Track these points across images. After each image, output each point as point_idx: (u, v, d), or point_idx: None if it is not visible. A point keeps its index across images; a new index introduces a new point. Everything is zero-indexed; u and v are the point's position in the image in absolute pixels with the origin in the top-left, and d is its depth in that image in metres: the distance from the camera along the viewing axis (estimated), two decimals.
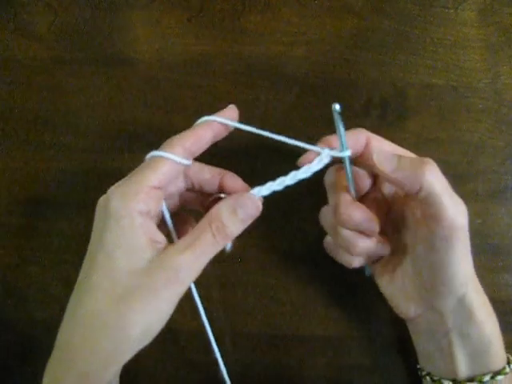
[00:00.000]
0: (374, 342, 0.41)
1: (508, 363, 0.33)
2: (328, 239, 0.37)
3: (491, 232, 0.41)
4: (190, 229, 0.30)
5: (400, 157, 0.31)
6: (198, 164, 0.34)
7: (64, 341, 0.29)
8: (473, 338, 0.32)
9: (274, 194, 0.31)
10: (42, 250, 0.42)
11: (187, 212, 0.35)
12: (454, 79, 0.42)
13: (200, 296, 0.33)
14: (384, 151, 0.32)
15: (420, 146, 0.34)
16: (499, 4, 0.42)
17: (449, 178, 0.31)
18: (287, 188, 0.31)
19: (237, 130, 0.32)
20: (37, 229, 0.42)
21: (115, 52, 0.43)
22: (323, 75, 0.42)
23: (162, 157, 0.30)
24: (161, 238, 0.29)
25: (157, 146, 0.31)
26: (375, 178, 0.36)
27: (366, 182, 0.35)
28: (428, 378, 0.35)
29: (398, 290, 0.35)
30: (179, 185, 0.33)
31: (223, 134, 0.32)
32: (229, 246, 0.32)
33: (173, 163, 0.30)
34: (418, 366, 0.37)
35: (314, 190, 0.36)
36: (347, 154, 0.31)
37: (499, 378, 0.32)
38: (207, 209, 0.30)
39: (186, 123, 0.32)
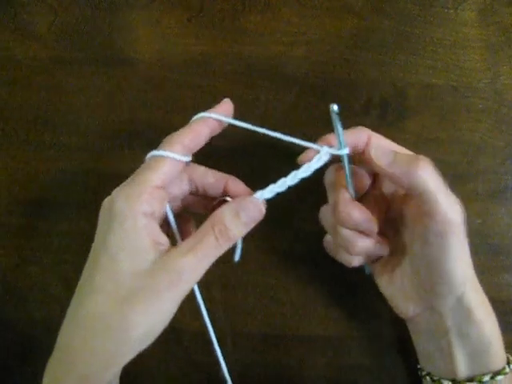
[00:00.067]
0: (373, 342, 0.41)
1: (508, 363, 0.33)
2: (328, 238, 0.37)
3: (491, 232, 0.41)
4: (193, 230, 0.30)
5: (396, 152, 0.32)
6: (202, 168, 0.34)
7: (64, 342, 0.29)
8: (472, 338, 0.32)
9: (281, 196, 0.31)
10: (41, 250, 0.42)
11: (190, 214, 0.35)
12: (454, 79, 0.42)
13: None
14: (382, 146, 0.32)
15: (420, 146, 0.34)
16: (499, 4, 0.42)
17: (449, 177, 0.31)
18: (289, 188, 0.31)
19: (235, 128, 0.32)
20: (37, 229, 0.42)
21: (115, 52, 0.43)
22: (323, 75, 0.42)
23: (162, 156, 0.30)
24: (164, 239, 0.29)
25: (157, 145, 0.31)
26: (375, 177, 0.36)
27: (365, 181, 0.35)
28: (428, 377, 0.35)
29: (397, 289, 0.35)
30: (183, 188, 0.33)
31: (219, 129, 0.33)
32: (237, 255, 0.32)
33: (173, 161, 0.30)
34: (418, 366, 0.37)
35: (314, 189, 0.36)
36: (345, 152, 0.31)
37: (499, 378, 0.32)
38: (212, 211, 0.30)
39: (186, 123, 0.32)
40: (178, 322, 0.29)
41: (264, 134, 0.32)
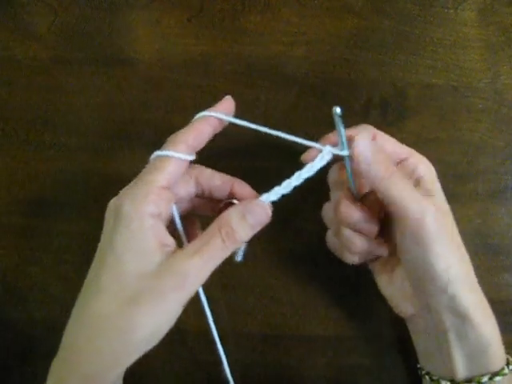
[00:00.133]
0: (373, 342, 0.41)
1: (507, 364, 0.33)
2: (330, 235, 0.37)
3: (491, 232, 0.41)
4: (199, 233, 0.30)
5: (377, 157, 0.31)
6: (209, 170, 0.34)
7: (69, 342, 0.29)
8: (470, 339, 0.32)
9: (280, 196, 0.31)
10: (41, 250, 0.42)
11: (196, 217, 0.35)
12: (454, 79, 0.42)
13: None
14: (372, 144, 0.32)
15: (420, 146, 0.34)
16: (499, 4, 0.42)
17: (449, 177, 0.31)
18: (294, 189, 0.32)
19: (236, 128, 0.32)
20: (37, 229, 0.42)
21: (115, 52, 0.43)
22: (323, 75, 0.42)
23: (167, 156, 0.30)
24: (170, 241, 0.29)
25: (157, 145, 0.31)
26: None
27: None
28: (427, 377, 0.35)
29: (396, 289, 0.35)
30: (189, 189, 0.33)
31: (220, 127, 0.33)
32: (240, 256, 0.32)
33: (178, 161, 0.30)
34: (418, 365, 0.37)
35: (315, 189, 0.36)
36: (347, 152, 0.31)
37: (497, 379, 0.32)
38: (219, 213, 0.30)
39: (186, 123, 0.32)
40: (181, 322, 0.29)
41: (265, 134, 0.32)
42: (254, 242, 0.31)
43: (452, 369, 0.33)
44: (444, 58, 0.42)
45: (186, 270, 0.28)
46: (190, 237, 0.32)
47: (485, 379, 0.32)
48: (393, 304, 0.36)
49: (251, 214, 0.30)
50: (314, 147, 0.32)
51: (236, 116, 0.33)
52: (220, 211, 0.31)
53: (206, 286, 0.30)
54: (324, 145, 0.32)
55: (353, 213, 0.33)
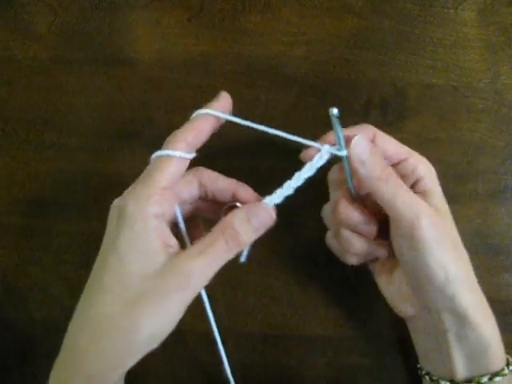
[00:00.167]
0: (373, 342, 0.41)
1: (507, 365, 0.33)
2: (330, 234, 0.37)
3: (491, 232, 0.41)
4: (202, 234, 0.30)
5: (374, 156, 0.31)
6: (213, 173, 0.34)
7: (71, 342, 0.29)
8: (470, 339, 0.32)
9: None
10: (41, 250, 0.42)
11: (199, 219, 0.35)
12: (454, 79, 0.41)
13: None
14: (369, 145, 0.32)
15: (420, 146, 0.34)
16: (499, 4, 0.42)
17: (449, 177, 0.31)
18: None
19: (235, 127, 0.32)
20: (37, 229, 0.42)
21: (115, 52, 0.43)
22: (323, 75, 0.42)
23: (167, 155, 0.30)
24: (174, 242, 0.30)
25: (157, 145, 0.31)
26: None
27: None
28: (427, 377, 0.35)
29: (395, 289, 0.35)
30: (193, 191, 0.33)
31: (218, 125, 0.33)
32: (244, 257, 0.32)
33: (179, 160, 0.30)
34: (418, 365, 0.37)
35: (315, 189, 0.36)
36: (345, 153, 0.31)
37: (497, 379, 0.32)
38: (223, 216, 0.30)
39: None
40: (181, 322, 0.29)
41: (264, 133, 0.32)
42: (255, 243, 0.31)
43: (452, 369, 0.33)
44: (444, 58, 0.42)
45: (190, 270, 0.28)
46: (194, 239, 0.32)
47: (485, 379, 0.32)
48: (392, 304, 0.36)
49: (255, 217, 0.30)
50: (313, 146, 0.32)
51: (236, 116, 0.33)
52: (223, 214, 0.31)
53: (206, 286, 0.30)
54: (322, 144, 0.32)
55: (351, 214, 0.33)
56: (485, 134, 0.41)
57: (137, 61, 0.43)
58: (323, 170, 0.33)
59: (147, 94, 0.42)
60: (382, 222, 0.35)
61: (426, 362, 0.36)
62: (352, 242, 0.34)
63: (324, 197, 0.36)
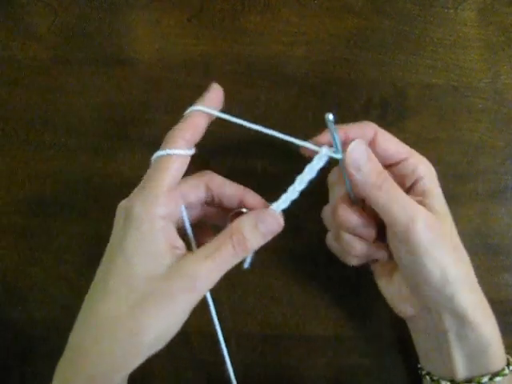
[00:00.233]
0: (373, 342, 0.41)
1: (507, 365, 0.33)
2: (330, 236, 0.37)
3: (491, 232, 0.41)
4: (208, 239, 0.30)
5: (369, 162, 0.31)
6: (220, 178, 0.34)
7: (75, 342, 0.29)
8: (470, 340, 0.32)
9: (278, 195, 0.32)
10: (41, 250, 0.42)
11: (209, 226, 0.36)
12: (454, 79, 0.41)
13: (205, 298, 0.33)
14: (366, 150, 0.32)
15: (420, 146, 0.34)
16: (499, 4, 0.42)
17: (449, 177, 0.31)
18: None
19: (234, 127, 0.32)
20: (37, 229, 0.42)
21: (115, 52, 0.43)
22: (323, 75, 0.42)
23: (168, 155, 0.30)
24: (180, 244, 0.30)
25: (157, 145, 0.31)
26: None
27: None
28: (428, 377, 0.35)
29: (395, 290, 0.35)
30: (199, 195, 0.33)
31: (212, 118, 0.33)
32: (247, 263, 0.32)
33: (180, 158, 0.30)
34: (419, 365, 0.37)
35: (314, 189, 0.36)
36: (341, 157, 0.31)
37: (498, 379, 0.32)
38: (231, 221, 0.30)
39: None
40: (187, 324, 0.29)
41: (261, 133, 0.32)
42: (258, 248, 0.31)
43: (452, 369, 0.33)
44: (444, 58, 0.42)
45: (196, 273, 0.28)
46: (202, 245, 0.32)
47: (485, 379, 0.32)
48: (393, 305, 0.36)
49: (263, 223, 0.30)
50: (312, 148, 0.32)
51: (236, 116, 0.33)
52: (230, 220, 0.31)
53: (210, 289, 0.30)
54: (320, 146, 0.32)
55: (350, 217, 0.33)
56: (485, 134, 0.41)
57: (137, 61, 0.43)
58: (323, 171, 0.34)
59: (147, 94, 0.42)
60: (382, 224, 0.35)
61: (427, 362, 0.36)
62: (352, 244, 0.34)
63: (324, 198, 0.36)
